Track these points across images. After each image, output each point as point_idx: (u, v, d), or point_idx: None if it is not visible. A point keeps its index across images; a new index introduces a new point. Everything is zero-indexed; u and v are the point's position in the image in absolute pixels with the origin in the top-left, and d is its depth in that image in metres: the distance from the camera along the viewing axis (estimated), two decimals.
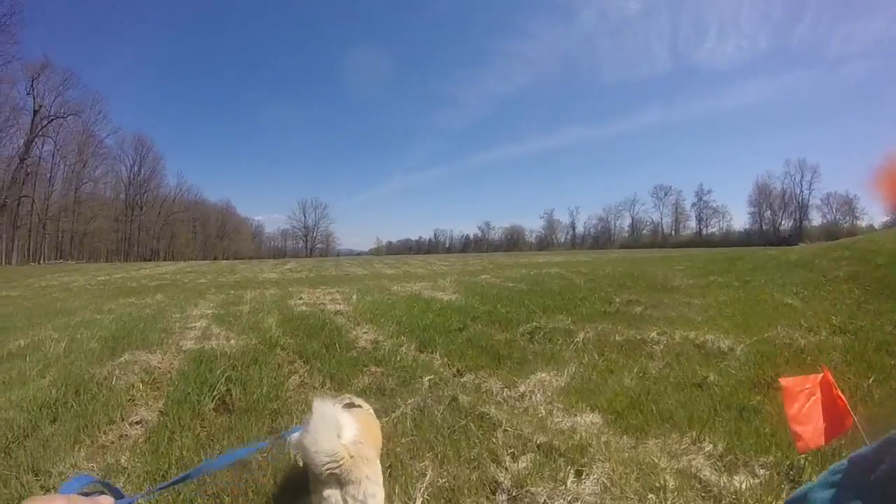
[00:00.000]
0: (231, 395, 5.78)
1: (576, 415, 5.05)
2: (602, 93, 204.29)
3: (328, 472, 2.51)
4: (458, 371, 6.75)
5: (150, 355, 7.66)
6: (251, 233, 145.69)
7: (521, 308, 11.12)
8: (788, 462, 3.82)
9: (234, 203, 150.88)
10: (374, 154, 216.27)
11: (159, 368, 7.13)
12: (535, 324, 9.11)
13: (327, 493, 2.56)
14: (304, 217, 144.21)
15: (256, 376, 6.43)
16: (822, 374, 2.81)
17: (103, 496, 1.55)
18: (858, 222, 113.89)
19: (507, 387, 5.96)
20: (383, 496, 2.74)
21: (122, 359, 7.38)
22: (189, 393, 5.79)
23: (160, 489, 2.45)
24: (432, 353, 7.67)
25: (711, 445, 4.22)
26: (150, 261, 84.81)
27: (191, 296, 17.10)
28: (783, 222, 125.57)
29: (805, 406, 2.71)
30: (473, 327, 9.32)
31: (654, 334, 8.04)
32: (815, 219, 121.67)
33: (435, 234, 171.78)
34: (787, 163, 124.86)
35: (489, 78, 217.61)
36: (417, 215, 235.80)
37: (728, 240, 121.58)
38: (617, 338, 8.08)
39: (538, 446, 4.27)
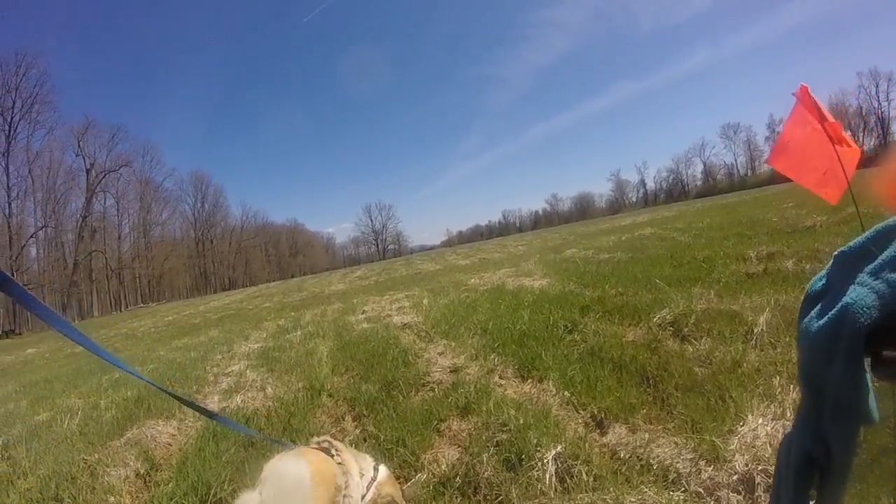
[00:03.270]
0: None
1: None
2: (644, 42, 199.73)
3: None
4: (594, 419, 4.07)
5: (165, 424, 5.90)
6: (323, 245, 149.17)
7: (638, 286, 8.44)
8: None
9: (302, 220, 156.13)
10: (429, 148, 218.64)
11: (168, 447, 5.38)
12: (672, 308, 6.35)
13: None
14: (372, 221, 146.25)
15: None
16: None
17: None
18: None
19: (703, 458, 3.22)
20: None
21: (128, 435, 5.70)
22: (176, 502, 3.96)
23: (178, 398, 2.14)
24: (541, 380, 5.07)
25: None
26: (229, 290, 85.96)
27: (247, 326, 15.30)
28: (865, 140, 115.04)
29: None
30: (587, 325, 6.65)
31: None
32: None
33: (504, 216, 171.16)
34: (860, 75, 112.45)
35: (527, 51, 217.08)
36: (483, 200, 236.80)
37: None
38: None
39: None
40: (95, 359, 9.68)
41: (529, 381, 5.18)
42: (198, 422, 5.88)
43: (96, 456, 5.23)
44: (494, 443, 3.77)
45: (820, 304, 0.99)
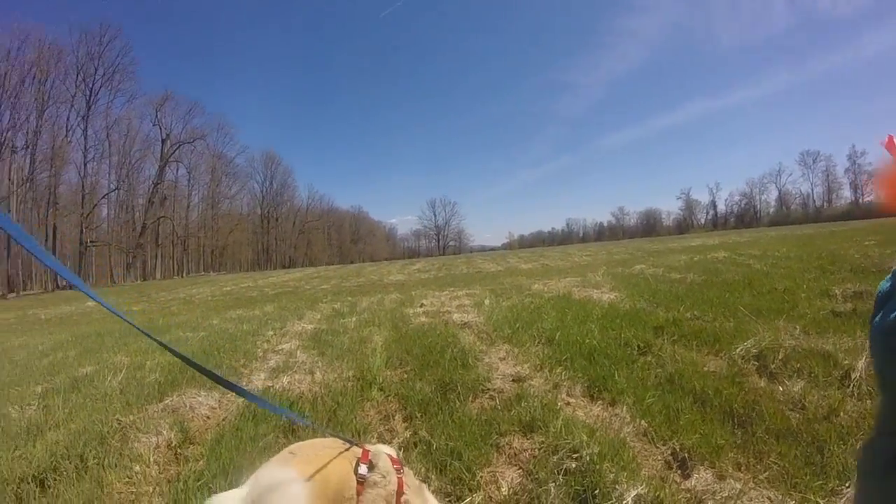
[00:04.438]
0: None
1: None
2: (723, 59, 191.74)
3: None
4: (675, 456, 3.60)
5: (206, 395, 5.75)
6: (385, 235, 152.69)
7: (715, 311, 7.89)
8: None
9: (366, 208, 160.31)
10: (498, 149, 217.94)
11: (206, 420, 5.25)
12: (757, 340, 5.82)
13: None
14: (435, 216, 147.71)
15: None
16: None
17: None
18: None
19: None
20: None
21: (167, 401, 5.65)
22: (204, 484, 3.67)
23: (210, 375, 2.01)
24: (613, 404, 4.62)
25: None
26: (288, 268, 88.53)
27: (303, 305, 15.28)
28: None
29: None
30: (663, 347, 6.13)
31: None
32: None
33: (567, 224, 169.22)
34: None
35: (603, 59, 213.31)
36: (547, 207, 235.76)
37: None
38: None
39: None
40: (150, 320, 9.81)
41: (600, 402, 4.73)
42: (240, 398, 5.63)
43: (131, 418, 5.18)
44: (563, 470, 3.40)
45: (889, 303, 1.06)
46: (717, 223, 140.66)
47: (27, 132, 63.62)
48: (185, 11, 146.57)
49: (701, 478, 3.27)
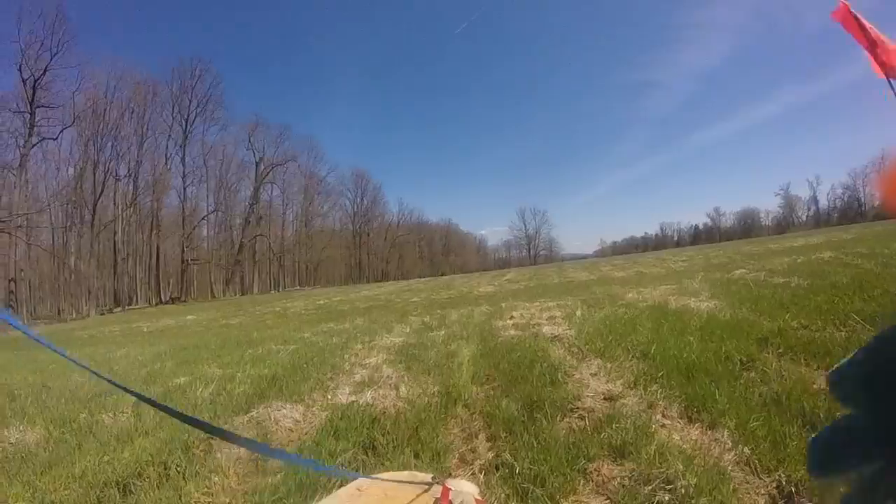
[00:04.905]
0: None
1: None
2: (811, 42, 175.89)
3: None
4: (780, 491, 3.22)
5: (291, 408, 5.96)
6: (475, 247, 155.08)
7: (824, 319, 7.24)
8: None
9: (457, 220, 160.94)
10: (585, 154, 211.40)
11: (289, 432, 5.41)
12: None
13: None
14: (525, 226, 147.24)
15: None
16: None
17: None
18: None
19: None
20: None
21: (253, 413, 5.90)
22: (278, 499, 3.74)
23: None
24: (713, 426, 4.23)
25: None
26: (380, 282, 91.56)
27: (392, 318, 15.37)
28: None
29: None
30: (767, 362, 5.62)
31: None
32: None
33: (661, 229, 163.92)
34: None
35: (685, 54, 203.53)
36: (639, 211, 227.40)
37: None
38: None
39: None
40: (245, 333, 10.09)
41: (698, 424, 4.36)
42: (324, 412, 5.77)
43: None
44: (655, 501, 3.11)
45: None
46: (820, 220, 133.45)
47: (129, 161, 69.15)
48: (269, 37, 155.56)
49: None
